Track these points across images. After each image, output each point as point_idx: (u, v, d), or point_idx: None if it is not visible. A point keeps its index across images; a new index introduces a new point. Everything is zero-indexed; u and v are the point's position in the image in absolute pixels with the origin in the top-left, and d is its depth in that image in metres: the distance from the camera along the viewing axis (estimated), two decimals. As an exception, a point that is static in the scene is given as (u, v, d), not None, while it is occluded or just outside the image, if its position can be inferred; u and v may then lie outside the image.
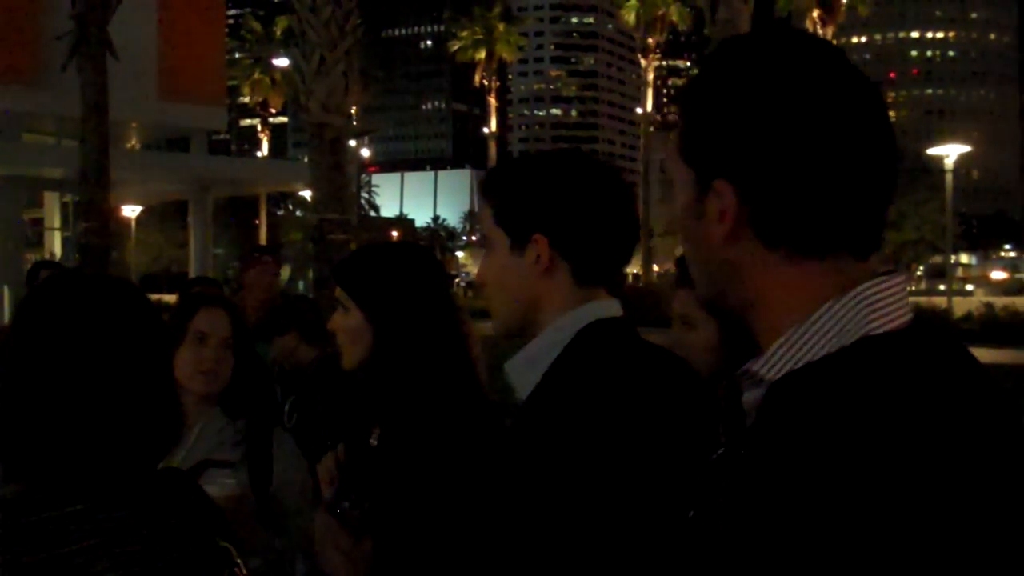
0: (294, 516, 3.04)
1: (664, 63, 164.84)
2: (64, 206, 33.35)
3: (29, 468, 1.60)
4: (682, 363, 1.93)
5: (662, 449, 1.68)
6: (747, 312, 1.26)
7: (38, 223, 36.63)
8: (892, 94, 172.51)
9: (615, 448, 1.66)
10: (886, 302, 1.21)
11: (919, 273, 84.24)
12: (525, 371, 1.88)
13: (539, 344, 1.88)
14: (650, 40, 57.52)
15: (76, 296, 1.68)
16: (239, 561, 1.70)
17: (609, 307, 1.90)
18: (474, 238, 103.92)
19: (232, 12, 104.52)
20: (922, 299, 34.60)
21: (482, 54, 69.63)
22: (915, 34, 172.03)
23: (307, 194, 22.41)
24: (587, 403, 1.71)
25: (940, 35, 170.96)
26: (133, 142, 37.05)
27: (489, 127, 72.99)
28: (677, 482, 1.66)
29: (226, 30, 44.48)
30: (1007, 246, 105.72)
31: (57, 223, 34.67)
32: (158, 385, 1.70)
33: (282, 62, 58.49)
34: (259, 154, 79.71)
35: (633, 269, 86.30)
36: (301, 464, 3.14)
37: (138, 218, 44.53)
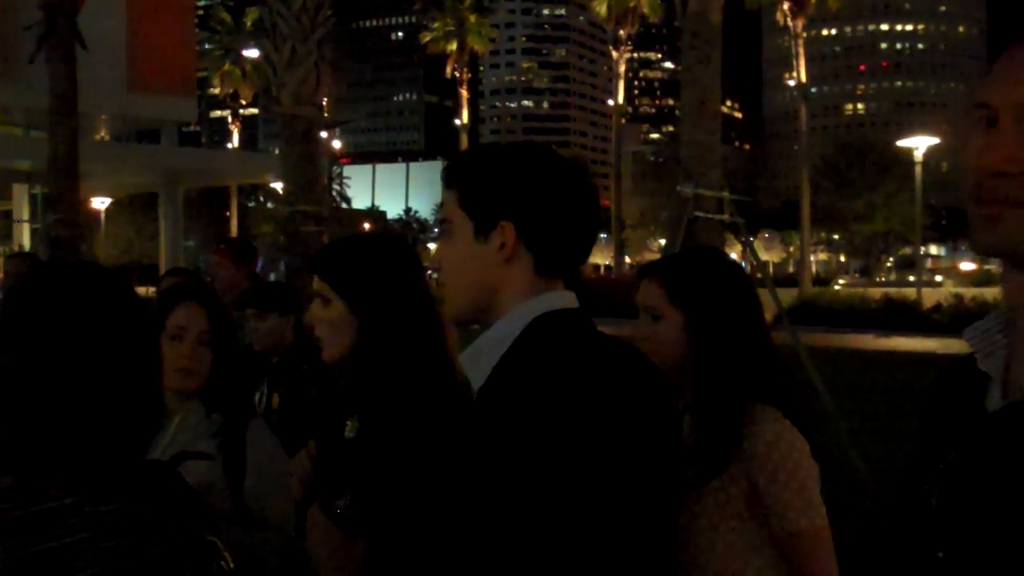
0: (273, 513, 3.02)
1: (636, 55, 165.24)
2: (33, 198, 33.08)
3: (19, 461, 1.59)
4: (637, 354, 1.91)
5: (613, 438, 1.68)
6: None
7: (7, 215, 36.37)
8: (862, 86, 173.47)
9: (566, 439, 1.65)
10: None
11: (889, 264, 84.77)
12: (477, 362, 1.88)
13: (491, 335, 1.88)
14: (621, 32, 57.55)
15: (61, 286, 1.68)
16: (226, 555, 1.70)
17: (564, 298, 1.90)
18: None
19: (202, 3, 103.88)
20: (892, 290, 34.84)
21: (454, 46, 69.52)
22: (884, 27, 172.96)
23: (278, 186, 22.31)
24: (537, 395, 1.70)
25: (909, 28, 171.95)
26: (103, 133, 36.83)
27: (461, 119, 72.88)
28: (627, 469, 1.68)
29: (196, 21, 44.21)
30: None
31: (26, 215, 34.40)
32: (144, 376, 1.70)
33: (252, 53, 58.17)
34: (230, 146, 79.34)
35: (605, 261, 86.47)
36: (279, 456, 3.11)
37: (108, 210, 44.29)
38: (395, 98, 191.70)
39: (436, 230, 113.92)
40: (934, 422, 1.45)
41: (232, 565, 1.70)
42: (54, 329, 1.62)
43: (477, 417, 1.84)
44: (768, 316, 2.84)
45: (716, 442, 2.50)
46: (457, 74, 71.19)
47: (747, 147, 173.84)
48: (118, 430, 1.63)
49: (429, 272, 2.58)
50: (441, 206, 2.00)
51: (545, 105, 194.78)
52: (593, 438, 1.66)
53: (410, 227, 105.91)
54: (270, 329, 4.99)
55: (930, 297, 30.55)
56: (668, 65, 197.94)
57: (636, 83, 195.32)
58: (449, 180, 1.95)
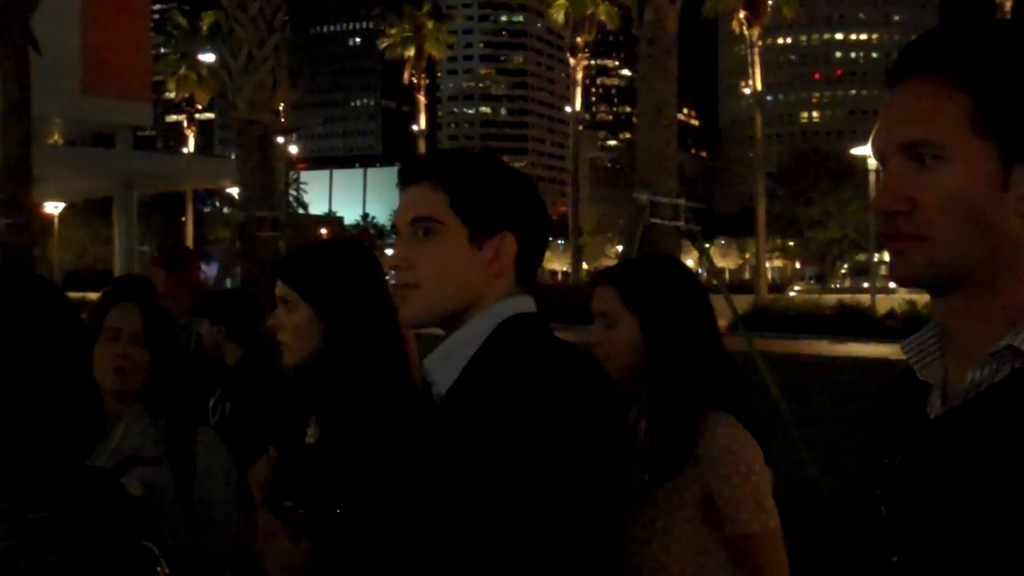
0: (219, 516, 3.01)
1: (593, 62, 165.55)
2: (-16, 202, 32.70)
3: None
4: (589, 358, 1.91)
5: (580, 441, 1.70)
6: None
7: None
8: (817, 94, 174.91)
9: (535, 442, 1.67)
10: None
11: (844, 271, 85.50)
12: (444, 365, 1.87)
13: (457, 340, 1.88)
14: (579, 39, 57.68)
15: None
16: (162, 560, 1.69)
17: (525, 303, 1.91)
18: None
19: (157, 7, 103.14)
20: (847, 297, 35.13)
21: (411, 51, 69.39)
22: (839, 36, 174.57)
23: (235, 191, 22.19)
24: (509, 399, 1.71)
25: (864, 37, 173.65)
26: (56, 138, 36.48)
27: (419, 124, 72.74)
28: (589, 469, 1.70)
29: (151, 25, 43.91)
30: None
31: (-23, 220, 34.00)
32: (76, 382, 1.68)
33: (208, 57, 57.78)
34: (185, 150, 78.81)
35: (563, 267, 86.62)
36: (227, 463, 3.11)
37: (62, 215, 43.85)
38: (353, 103, 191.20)
39: (394, 236, 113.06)
40: (880, 430, 1.52)
41: (168, 570, 1.69)
42: None
43: (447, 418, 1.84)
44: (724, 322, 2.87)
45: (670, 446, 2.52)
46: (415, 80, 71.07)
47: (704, 155, 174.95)
48: (48, 435, 1.61)
49: (388, 278, 2.59)
50: (413, 204, 1.90)
51: (503, 111, 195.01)
52: (563, 441, 1.68)
53: (367, 233, 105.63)
54: (215, 336, 5.01)
55: (884, 304, 30.81)
56: (625, 72, 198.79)
57: (593, 90, 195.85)
58: (436, 179, 1.89)
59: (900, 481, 1.39)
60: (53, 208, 41.40)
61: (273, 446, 2.66)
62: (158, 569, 1.68)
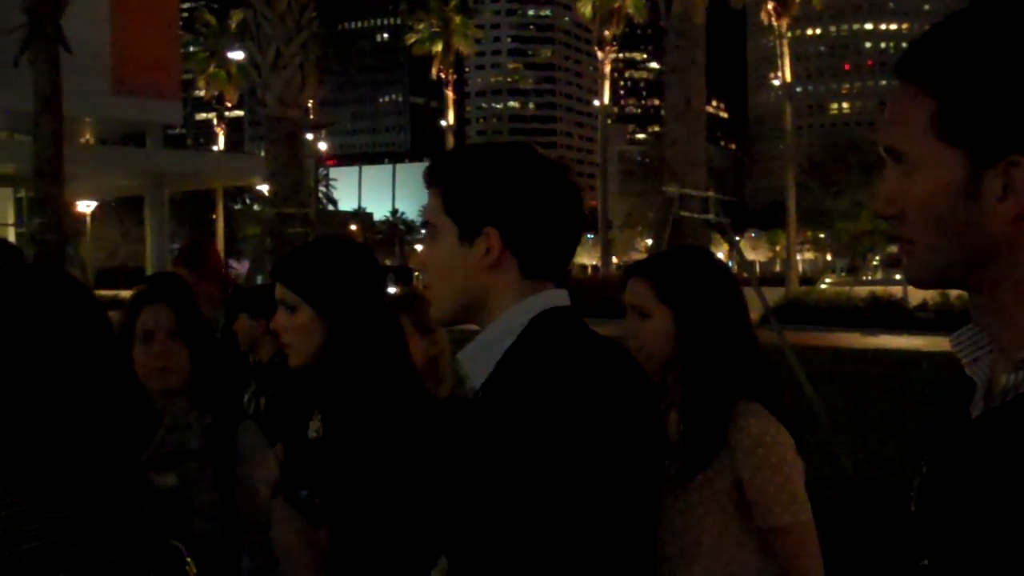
0: (254, 512, 3.02)
1: (621, 55, 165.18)
2: (18, 202, 33.00)
3: None
4: (624, 351, 1.94)
5: (617, 433, 1.72)
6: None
7: (-9, 219, 36.22)
8: (847, 85, 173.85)
9: (574, 435, 1.68)
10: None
11: (875, 263, 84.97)
12: (478, 360, 1.89)
13: (492, 333, 1.89)
14: (607, 32, 57.55)
15: (12, 294, 1.66)
16: (189, 559, 1.69)
17: (557, 297, 1.92)
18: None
19: (186, 5, 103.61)
20: (878, 288, 34.89)
21: (439, 47, 69.42)
22: (869, 26, 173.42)
23: (264, 188, 22.29)
24: (544, 391, 1.72)
25: (894, 27, 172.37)
26: (87, 137, 36.73)
27: (447, 120, 72.81)
28: (626, 463, 1.72)
29: (180, 23, 44.09)
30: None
31: (11, 219, 34.30)
32: (106, 381, 1.68)
33: (237, 55, 58.03)
34: (215, 148, 79.16)
35: (592, 261, 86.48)
36: (266, 458, 3.12)
37: (93, 213, 44.14)
38: (381, 100, 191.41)
39: (423, 232, 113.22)
40: (931, 428, 1.48)
41: (195, 570, 1.69)
42: (5, 335, 1.60)
43: (481, 411, 1.85)
44: (754, 315, 2.87)
45: (702, 437, 2.53)
46: (443, 75, 71.11)
47: (732, 147, 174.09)
48: (78, 435, 1.62)
49: (416, 274, 2.61)
50: (425, 208, 2.00)
51: (531, 106, 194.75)
52: (596, 433, 1.69)
53: (396, 229, 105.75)
54: (239, 329, 5.03)
55: (916, 295, 30.56)
56: (654, 65, 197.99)
57: (622, 83, 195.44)
58: (433, 182, 1.95)
59: (933, 482, 1.35)
60: (85, 207, 41.67)
61: (280, 442, 2.68)
62: (186, 568, 1.68)
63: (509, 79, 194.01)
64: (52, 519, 1.54)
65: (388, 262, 73.24)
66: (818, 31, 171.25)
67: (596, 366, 1.79)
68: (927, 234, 1.31)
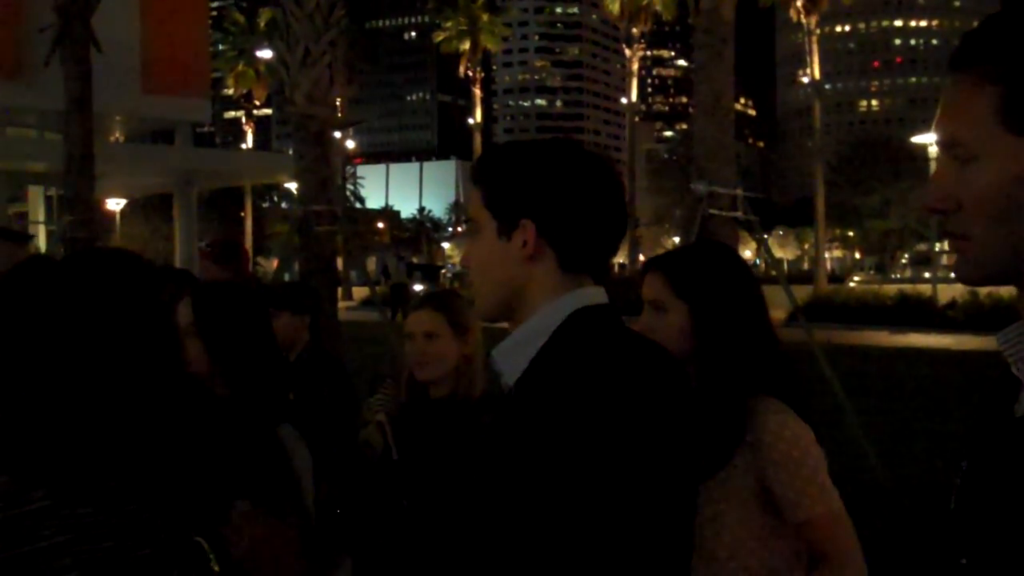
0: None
1: (649, 53, 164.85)
2: (48, 200, 33.22)
3: (13, 460, 1.58)
4: (662, 349, 1.94)
5: (653, 433, 1.71)
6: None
7: (23, 217, 36.47)
8: (876, 83, 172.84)
9: (607, 433, 1.67)
10: None
11: (904, 261, 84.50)
12: (512, 357, 1.89)
13: (526, 330, 1.89)
14: (634, 30, 57.47)
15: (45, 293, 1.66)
16: (212, 556, 1.70)
17: (595, 295, 1.91)
18: (460, 229, 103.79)
19: (215, 4, 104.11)
20: (907, 287, 34.71)
21: (466, 45, 69.50)
22: (898, 23, 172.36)
23: (292, 186, 22.33)
24: (578, 388, 1.72)
25: (923, 23, 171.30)
26: (117, 135, 36.92)
27: (474, 118, 72.86)
28: (660, 465, 1.71)
29: (209, 22, 44.28)
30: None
31: (42, 217, 34.53)
32: (157, 372, 1.68)
33: (266, 54, 58.20)
34: (244, 146, 79.46)
35: (619, 259, 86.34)
36: (305, 459, 3.09)
37: (123, 211, 44.42)
38: (408, 98, 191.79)
39: (450, 230, 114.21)
40: (974, 427, 1.46)
41: (218, 568, 1.70)
42: (38, 327, 1.60)
43: (514, 409, 1.85)
44: (783, 313, 2.86)
45: (721, 434, 2.51)
46: (470, 73, 71.17)
47: (761, 144, 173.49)
48: (118, 431, 1.62)
49: (444, 271, 2.60)
50: (468, 204, 2.02)
51: (558, 104, 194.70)
52: (631, 432, 1.69)
53: (424, 227, 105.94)
54: (282, 327, 5.01)
55: (945, 293, 30.39)
56: (681, 63, 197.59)
57: (649, 81, 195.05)
58: (475, 178, 1.96)
59: (974, 481, 1.33)
60: (115, 204, 41.91)
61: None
62: (210, 565, 1.69)
63: (536, 77, 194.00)
64: (77, 514, 1.55)
65: (416, 260, 73.33)
66: (847, 28, 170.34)
67: (627, 365, 1.78)
68: (986, 227, 1.29)
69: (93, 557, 1.52)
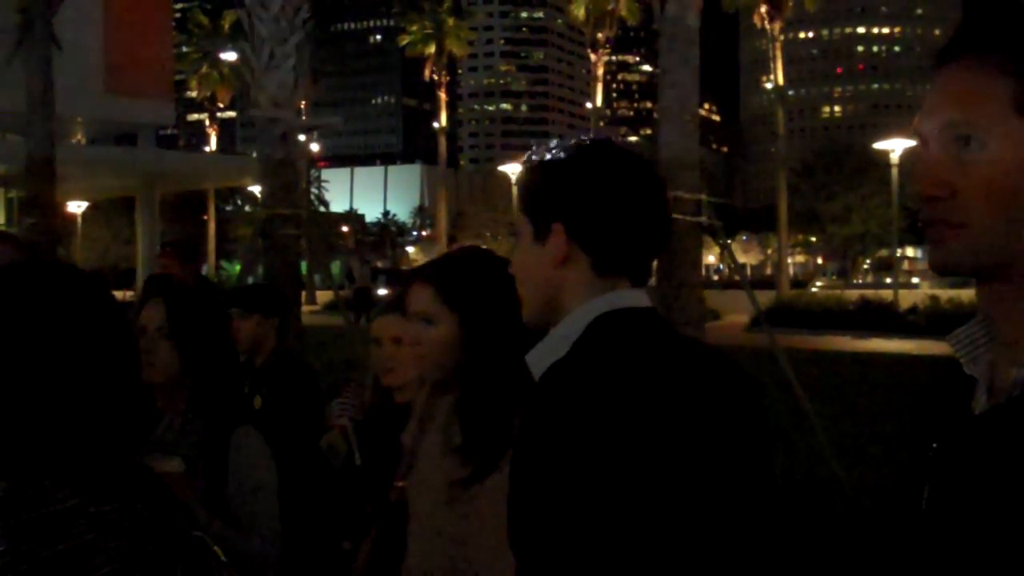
0: (247, 515, 3.00)
1: (614, 58, 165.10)
2: (9, 202, 32.94)
3: (13, 465, 1.58)
4: (715, 352, 1.89)
5: (670, 435, 1.68)
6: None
7: (-18, 219, 36.16)
8: (839, 89, 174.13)
9: (619, 435, 1.67)
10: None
11: (866, 266, 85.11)
12: (542, 361, 1.91)
13: (555, 334, 1.91)
14: (599, 35, 57.57)
15: (39, 286, 1.67)
16: (215, 549, 1.70)
17: (631, 297, 1.90)
18: (424, 233, 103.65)
19: (179, 5, 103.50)
20: (869, 292, 34.97)
21: (432, 49, 69.45)
22: (861, 29, 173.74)
23: (256, 189, 22.24)
24: (592, 388, 1.73)
25: (886, 30, 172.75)
26: (79, 137, 36.66)
27: (439, 122, 72.85)
28: (683, 467, 1.68)
29: (173, 24, 44.06)
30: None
31: (2, 219, 34.24)
32: (129, 375, 1.70)
33: (230, 56, 57.98)
34: (207, 149, 79.07)
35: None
36: (265, 461, 3.09)
37: (84, 214, 44.10)
38: (373, 101, 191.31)
39: (414, 234, 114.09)
40: (924, 426, 1.47)
41: (224, 559, 1.70)
42: (37, 329, 1.62)
43: (533, 407, 1.89)
44: (746, 318, 2.85)
45: (486, 443, 2.48)
46: (435, 77, 71.15)
47: (725, 150, 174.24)
48: (107, 428, 1.63)
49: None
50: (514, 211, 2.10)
51: (523, 108, 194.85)
52: (633, 434, 1.67)
53: (388, 231, 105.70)
54: (252, 330, 4.99)
55: (907, 299, 30.65)
56: (646, 68, 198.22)
57: (614, 86, 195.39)
58: (517, 185, 2.03)
59: (940, 479, 1.35)
60: (76, 207, 41.63)
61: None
62: (216, 553, 1.69)
63: (502, 81, 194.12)
64: (101, 512, 1.56)
65: (380, 264, 73.18)
66: (811, 34, 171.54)
67: (657, 371, 1.76)
68: (988, 213, 1.30)
69: (120, 554, 1.53)
